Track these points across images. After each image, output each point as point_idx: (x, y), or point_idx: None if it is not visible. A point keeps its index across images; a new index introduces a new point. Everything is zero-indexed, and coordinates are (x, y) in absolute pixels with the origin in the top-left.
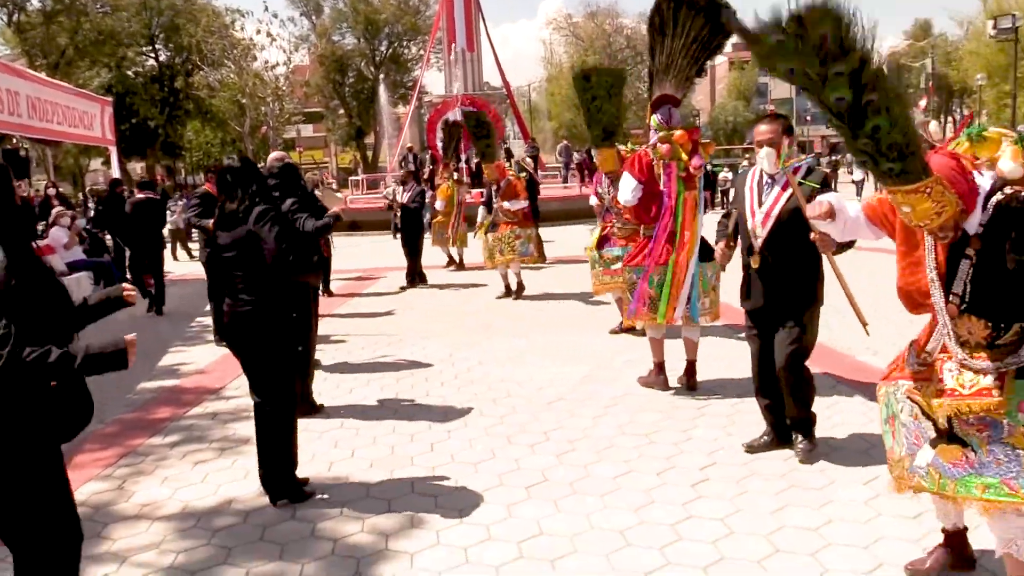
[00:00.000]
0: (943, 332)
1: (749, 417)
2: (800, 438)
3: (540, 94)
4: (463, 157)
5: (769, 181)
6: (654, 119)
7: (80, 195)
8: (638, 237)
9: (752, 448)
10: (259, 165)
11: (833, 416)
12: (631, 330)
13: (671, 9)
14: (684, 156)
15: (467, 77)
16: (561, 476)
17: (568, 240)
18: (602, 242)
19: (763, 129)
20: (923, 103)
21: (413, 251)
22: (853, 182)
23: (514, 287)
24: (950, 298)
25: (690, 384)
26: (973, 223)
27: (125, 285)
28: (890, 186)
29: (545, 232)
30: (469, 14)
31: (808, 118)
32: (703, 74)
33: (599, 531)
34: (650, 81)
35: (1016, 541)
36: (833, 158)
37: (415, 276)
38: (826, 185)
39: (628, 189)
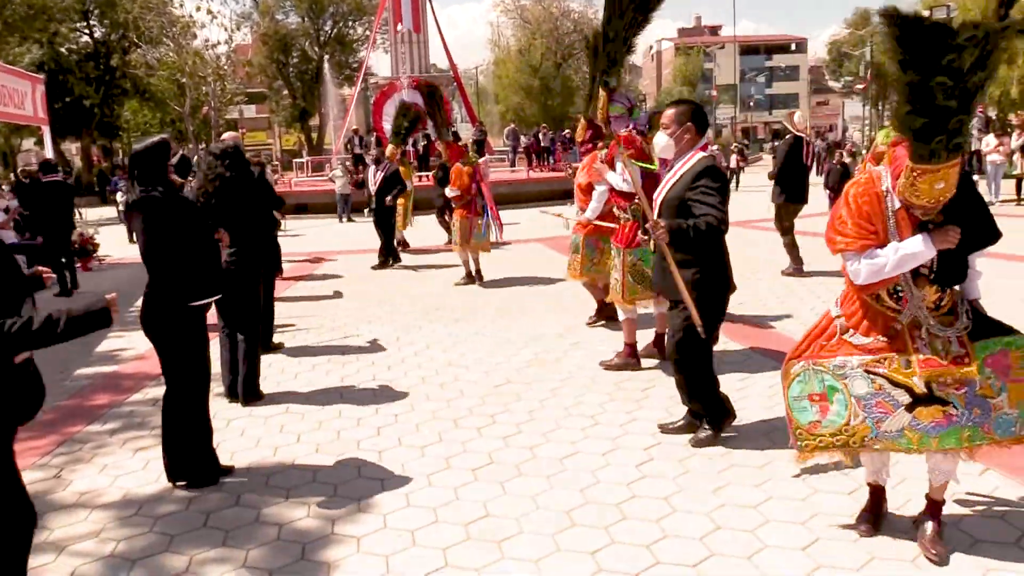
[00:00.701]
0: (915, 305)
1: None
2: (703, 424)
3: (488, 77)
4: (410, 140)
5: (670, 167)
6: (617, 107)
7: (11, 176)
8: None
9: (667, 430)
10: (201, 147)
11: (774, 396)
12: (612, 318)
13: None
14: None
15: (413, 59)
16: (507, 458)
17: (516, 224)
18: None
19: (664, 114)
20: (860, 87)
21: (386, 230)
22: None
23: (474, 273)
24: (921, 270)
25: (661, 353)
26: None
27: (42, 269)
28: (940, 162)
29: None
30: None
31: (752, 104)
32: (632, 51)
33: (545, 512)
34: (594, 59)
35: (952, 474)
36: (775, 144)
37: (388, 255)
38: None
39: (618, 177)
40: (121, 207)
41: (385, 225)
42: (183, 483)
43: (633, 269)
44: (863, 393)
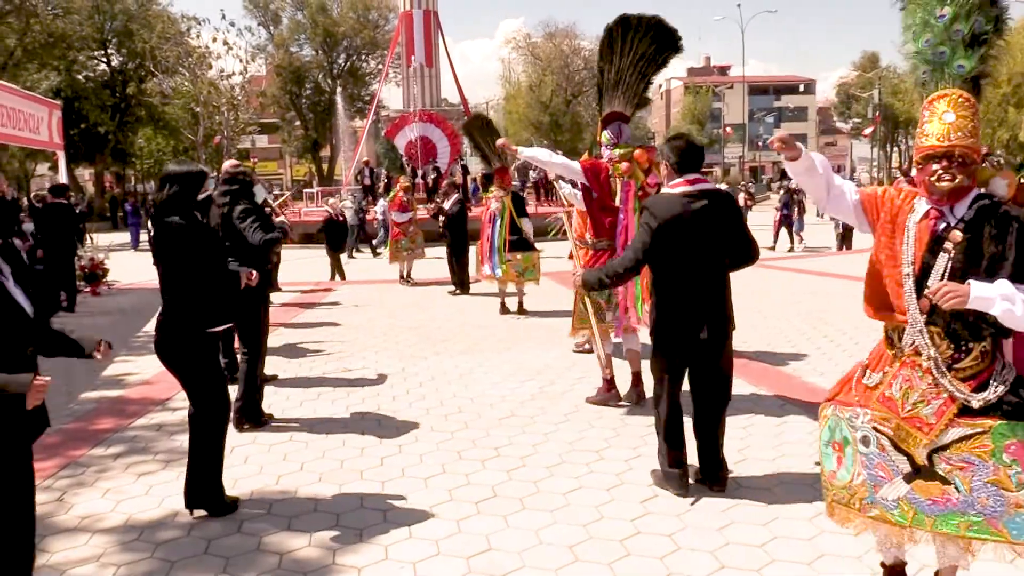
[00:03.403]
0: (915, 328)
1: None
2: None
3: (498, 112)
4: (419, 172)
5: None
6: (605, 135)
7: (25, 200)
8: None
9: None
10: (212, 175)
11: (782, 434)
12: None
13: (620, 30)
14: (641, 175)
15: (425, 93)
16: (511, 492)
17: None
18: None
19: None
20: (869, 131)
21: (459, 259)
22: (814, 203)
23: (513, 307)
24: (923, 292)
25: (639, 394)
26: (956, 211)
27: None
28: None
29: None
30: (428, 30)
31: (760, 144)
32: (649, 89)
33: (548, 547)
34: (599, 98)
35: (961, 560)
36: (784, 183)
37: (460, 284)
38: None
39: (572, 170)
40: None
41: (458, 254)
42: (203, 511)
43: (588, 296)
44: (867, 451)
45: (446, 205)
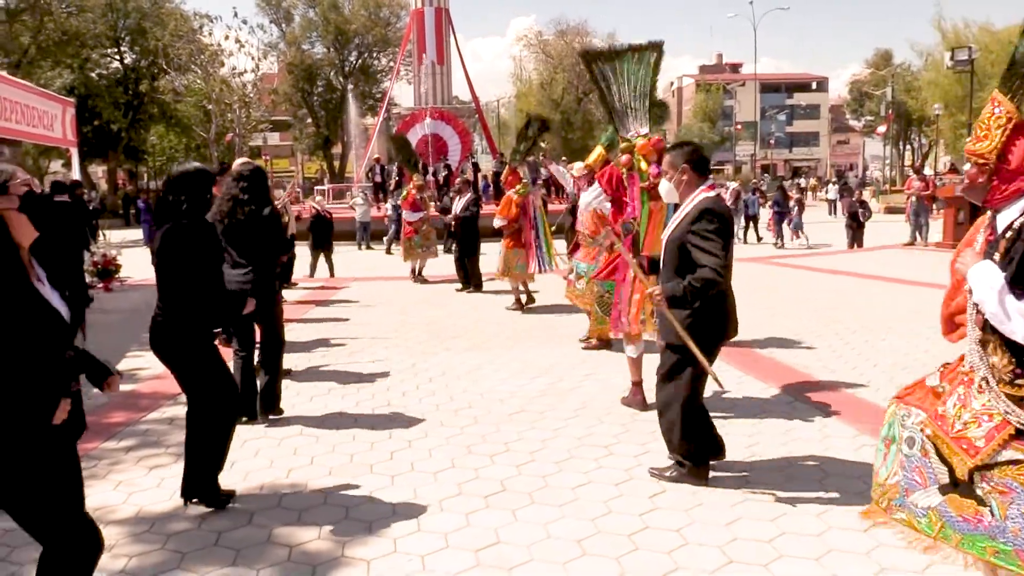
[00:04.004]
0: (971, 338)
1: None
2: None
3: (509, 110)
4: (430, 169)
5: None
6: (604, 138)
7: None
8: (597, 252)
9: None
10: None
11: (791, 431)
12: (607, 344)
13: (605, 62)
14: (644, 166)
15: (436, 90)
16: (520, 486)
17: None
18: (576, 248)
19: (663, 160)
20: (883, 129)
21: (471, 256)
22: (826, 201)
23: (524, 300)
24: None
25: (643, 401)
26: (1004, 217)
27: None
28: None
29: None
30: (440, 28)
31: (772, 142)
32: (654, 101)
33: (556, 540)
34: (611, 120)
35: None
36: (795, 181)
37: (471, 281)
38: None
39: (591, 193)
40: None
41: (469, 252)
42: (196, 500)
43: (601, 301)
44: (909, 453)
45: (459, 204)
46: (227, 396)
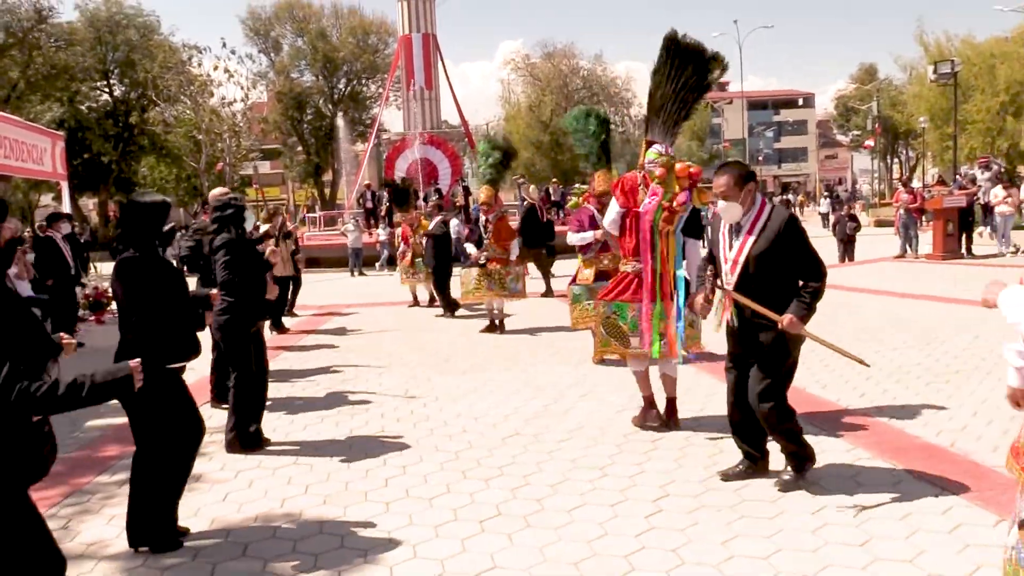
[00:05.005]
0: None
1: (701, 450)
2: (788, 468)
3: (498, 133)
4: (421, 194)
5: (736, 227)
6: (653, 151)
7: (29, 231)
8: (603, 266)
9: (727, 476)
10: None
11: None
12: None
13: (671, 51)
14: (675, 188)
15: (426, 115)
16: (515, 510)
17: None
18: (600, 276)
19: (717, 183)
20: (869, 143)
21: (442, 281)
22: (819, 214)
23: (498, 322)
24: None
25: (673, 423)
26: None
27: (63, 336)
28: None
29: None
30: (428, 53)
31: (760, 158)
32: (689, 118)
33: (553, 564)
34: (646, 125)
35: None
36: (784, 197)
37: (446, 304)
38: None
39: (612, 211)
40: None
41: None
42: (145, 548)
43: (607, 322)
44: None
45: (432, 224)
46: (170, 443)
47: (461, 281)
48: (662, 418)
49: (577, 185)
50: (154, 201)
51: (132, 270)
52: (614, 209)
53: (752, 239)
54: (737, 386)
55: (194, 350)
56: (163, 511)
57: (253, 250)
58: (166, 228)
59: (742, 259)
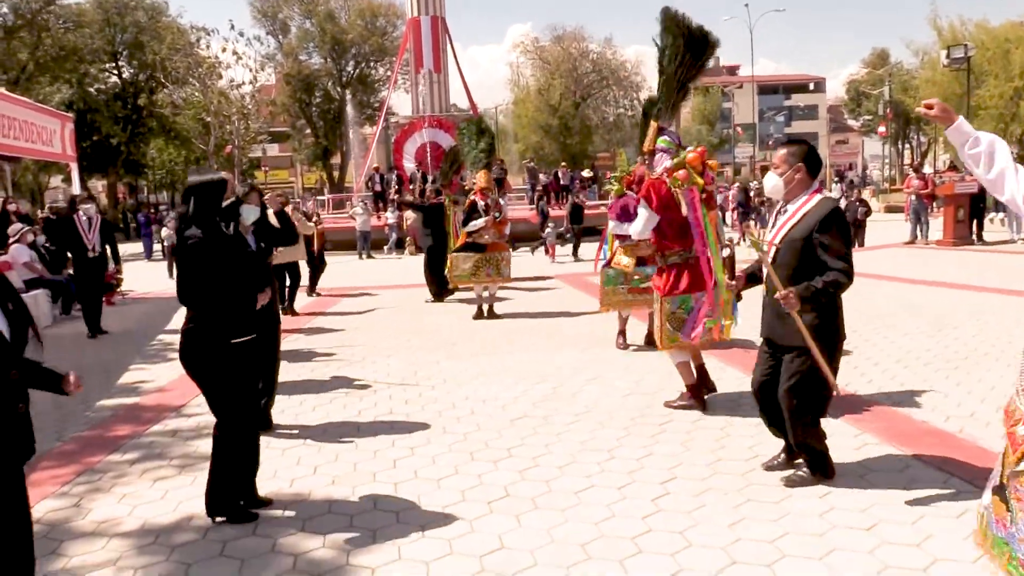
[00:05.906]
0: None
1: (709, 433)
2: (801, 462)
3: (507, 117)
4: (429, 178)
5: (783, 208)
6: (664, 140)
7: (39, 212)
8: (643, 252)
9: (771, 467)
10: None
11: None
12: (652, 345)
13: (666, 29)
14: (699, 179)
15: (434, 98)
16: (523, 491)
17: (533, 260)
18: (639, 262)
19: (775, 155)
20: (882, 129)
21: (436, 265)
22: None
23: (486, 308)
24: None
25: (709, 387)
26: None
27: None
28: None
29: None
30: (436, 36)
31: (770, 142)
32: (686, 98)
33: (560, 545)
34: (655, 107)
35: None
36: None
37: (436, 290)
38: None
39: (642, 221)
40: (166, 242)
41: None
42: (223, 519)
43: (672, 317)
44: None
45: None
46: (246, 412)
47: (451, 265)
48: (702, 396)
49: (612, 174)
50: (211, 179)
51: (197, 251)
52: (652, 219)
53: (790, 224)
54: (768, 376)
55: (258, 324)
56: (241, 482)
57: (242, 250)
58: (227, 203)
59: (777, 240)
